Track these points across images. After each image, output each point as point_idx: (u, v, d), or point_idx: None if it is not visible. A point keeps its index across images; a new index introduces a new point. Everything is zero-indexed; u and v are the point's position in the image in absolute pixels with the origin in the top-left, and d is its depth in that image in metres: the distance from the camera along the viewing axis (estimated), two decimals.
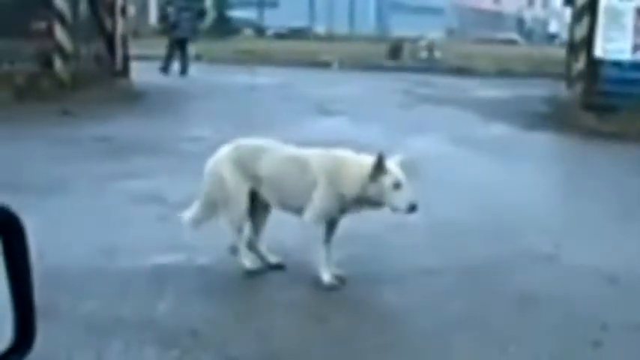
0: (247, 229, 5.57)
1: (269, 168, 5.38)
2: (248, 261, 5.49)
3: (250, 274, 5.44)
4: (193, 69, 22.10)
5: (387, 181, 4.96)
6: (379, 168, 4.96)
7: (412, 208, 4.92)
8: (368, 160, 5.06)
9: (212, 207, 5.55)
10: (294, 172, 5.32)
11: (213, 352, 4.24)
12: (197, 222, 5.63)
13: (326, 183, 5.17)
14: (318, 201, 5.19)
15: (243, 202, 5.42)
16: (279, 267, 5.55)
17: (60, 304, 4.55)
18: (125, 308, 4.75)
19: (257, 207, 5.53)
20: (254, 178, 5.41)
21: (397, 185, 4.95)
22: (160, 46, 23.12)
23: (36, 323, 1.51)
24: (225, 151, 5.52)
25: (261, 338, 4.44)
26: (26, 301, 1.50)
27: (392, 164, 5.02)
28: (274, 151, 5.47)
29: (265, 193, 5.44)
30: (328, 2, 58.95)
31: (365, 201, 5.13)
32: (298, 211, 5.32)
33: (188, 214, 5.66)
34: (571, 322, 4.87)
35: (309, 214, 5.23)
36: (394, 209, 5.02)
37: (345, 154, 5.30)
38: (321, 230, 5.26)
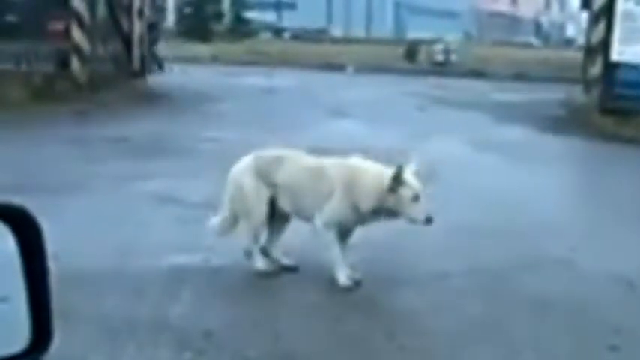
0: (264, 236, 5.60)
1: (287, 177, 5.42)
2: (261, 263, 5.51)
3: (263, 275, 5.45)
4: (210, 70, 22.12)
5: (405, 193, 4.98)
6: (398, 180, 4.98)
7: (429, 220, 4.96)
8: (385, 172, 5.09)
9: (235, 216, 5.59)
10: (312, 181, 5.36)
11: (228, 354, 4.25)
12: (222, 231, 5.68)
13: (342, 193, 5.20)
14: (331, 209, 5.23)
15: (262, 211, 5.46)
16: (292, 269, 5.56)
17: (75, 304, 4.55)
18: (140, 309, 4.77)
19: (276, 216, 5.56)
20: (273, 188, 5.46)
21: (416, 197, 4.97)
22: (178, 48, 23.15)
23: (53, 323, 1.51)
24: (245, 161, 5.58)
25: (277, 339, 4.45)
26: (43, 301, 1.50)
27: (409, 175, 5.03)
28: (293, 160, 5.51)
29: (283, 202, 5.47)
30: (346, 5, 58.92)
31: (382, 212, 5.15)
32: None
33: (214, 220, 5.68)
34: (587, 325, 4.85)
35: (319, 220, 5.26)
36: (412, 221, 5.06)
37: (362, 164, 5.32)
38: (332, 235, 5.27)
